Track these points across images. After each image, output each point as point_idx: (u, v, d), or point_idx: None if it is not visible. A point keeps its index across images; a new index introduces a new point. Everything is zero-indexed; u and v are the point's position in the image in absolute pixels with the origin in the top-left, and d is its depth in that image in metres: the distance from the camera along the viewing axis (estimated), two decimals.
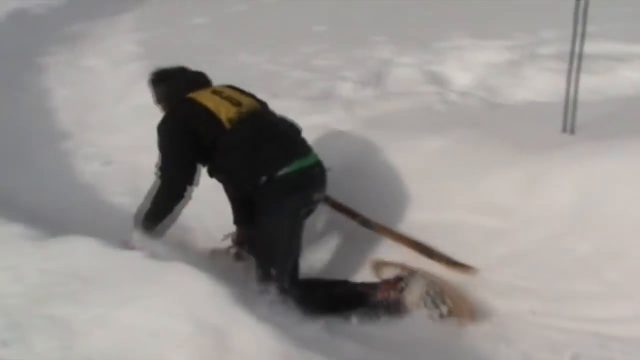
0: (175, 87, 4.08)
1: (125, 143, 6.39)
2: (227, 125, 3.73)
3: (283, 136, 3.90)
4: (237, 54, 7.44)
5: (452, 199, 4.14)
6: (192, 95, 3.91)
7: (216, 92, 3.99)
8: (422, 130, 4.77)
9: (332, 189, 4.04)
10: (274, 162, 3.67)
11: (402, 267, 3.85)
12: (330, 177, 3.91)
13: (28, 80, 8.48)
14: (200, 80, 4.19)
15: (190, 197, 3.81)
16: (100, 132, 6.89)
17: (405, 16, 8.00)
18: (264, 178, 3.63)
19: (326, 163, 3.91)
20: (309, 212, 3.87)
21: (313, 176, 3.81)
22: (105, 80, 8.27)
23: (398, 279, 3.67)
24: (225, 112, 3.78)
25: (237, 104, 3.90)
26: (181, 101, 3.92)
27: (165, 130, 3.81)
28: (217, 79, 6.37)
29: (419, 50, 6.61)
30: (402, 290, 3.59)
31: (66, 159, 6.35)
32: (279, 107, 5.63)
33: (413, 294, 3.54)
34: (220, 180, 3.99)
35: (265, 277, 3.56)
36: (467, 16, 7.44)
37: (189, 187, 3.76)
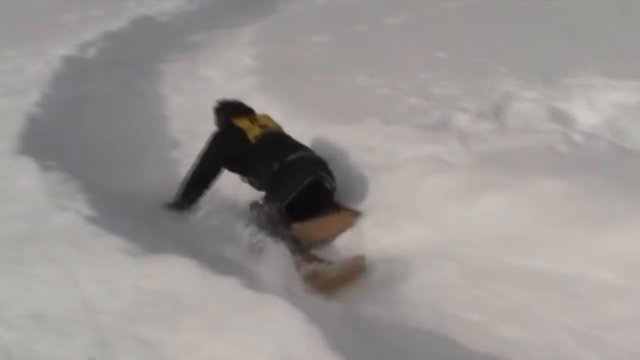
0: (225, 115, 5.65)
1: None
2: (253, 140, 5.26)
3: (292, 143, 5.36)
4: (353, 75, 7.34)
5: (569, 248, 3.90)
6: (234, 120, 5.51)
7: (252, 119, 5.52)
8: (542, 171, 4.55)
9: (434, 223, 3.86)
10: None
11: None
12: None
13: (145, 86, 8.70)
14: (244, 110, 5.70)
15: (204, 195, 5.37)
16: None
17: (531, 47, 7.69)
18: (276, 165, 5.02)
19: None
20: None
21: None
22: (219, 91, 8.29)
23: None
24: (253, 132, 5.32)
25: (264, 126, 5.41)
26: (226, 126, 5.54)
27: (208, 146, 5.45)
28: (331, 99, 6.36)
29: (543, 84, 6.30)
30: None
31: (174, 167, 6.38)
32: (391, 133, 5.56)
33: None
34: (250, 183, 5.41)
35: None
36: (599, 50, 7.06)
37: (204, 190, 5.37)
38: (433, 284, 4.12)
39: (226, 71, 8.82)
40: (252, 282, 3.11)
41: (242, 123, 5.43)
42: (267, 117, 5.63)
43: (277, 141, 5.30)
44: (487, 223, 4.33)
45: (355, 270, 4.36)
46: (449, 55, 7.78)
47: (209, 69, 9.29)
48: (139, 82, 8.69)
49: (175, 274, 3.17)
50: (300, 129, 6.07)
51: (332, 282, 4.16)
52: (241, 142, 5.26)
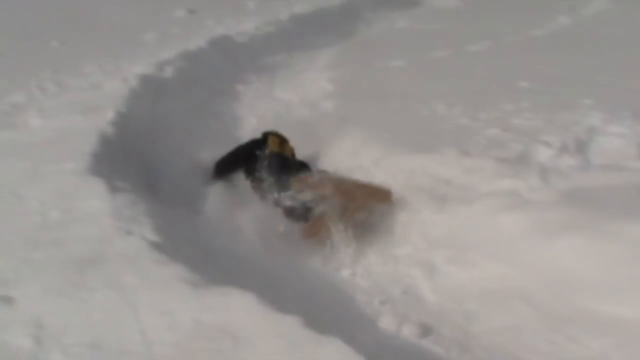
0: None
1: None
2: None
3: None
4: (432, 103, 7.22)
5: None
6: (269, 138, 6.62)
7: (281, 141, 6.69)
8: (628, 212, 4.37)
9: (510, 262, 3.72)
10: None
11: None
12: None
13: (221, 106, 8.81)
14: (279, 136, 6.72)
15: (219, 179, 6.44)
16: None
17: (620, 79, 7.44)
18: None
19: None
20: None
21: None
22: (295, 114, 8.31)
23: None
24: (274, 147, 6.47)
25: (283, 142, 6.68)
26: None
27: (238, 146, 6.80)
28: (408, 127, 6.25)
29: (633, 119, 6.06)
30: None
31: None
32: (469, 165, 5.41)
33: None
34: None
35: None
36: None
37: (217, 175, 6.51)
38: (507, 327, 4.02)
39: (302, 94, 8.83)
40: (312, 321, 3.02)
41: (272, 140, 6.69)
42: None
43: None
44: (566, 265, 4.20)
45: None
46: (532, 85, 7.59)
47: (286, 91, 9.32)
48: (215, 102, 8.77)
49: (236, 308, 3.14)
50: (374, 157, 6.00)
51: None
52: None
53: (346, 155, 6.39)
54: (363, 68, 9.19)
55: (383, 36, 11.95)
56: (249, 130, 7.83)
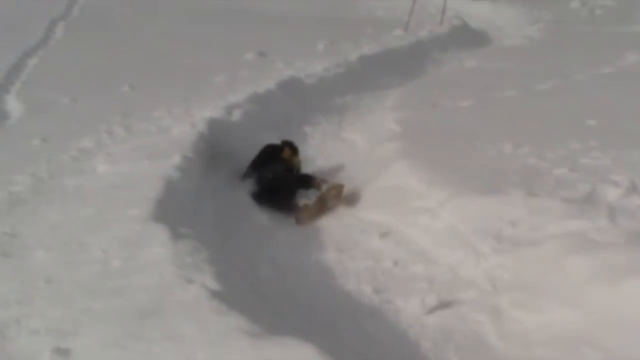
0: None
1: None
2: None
3: None
4: (499, 143, 7.22)
5: None
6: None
7: (293, 151, 8.03)
8: None
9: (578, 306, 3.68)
10: None
11: None
12: None
13: None
14: (292, 147, 8.07)
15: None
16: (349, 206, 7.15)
17: None
18: None
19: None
20: None
21: None
22: (362, 155, 8.38)
23: None
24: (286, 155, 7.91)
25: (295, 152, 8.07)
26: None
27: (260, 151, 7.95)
28: (474, 167, 6.35)
29: None
30: None
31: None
32: (536, 206, 5.41)
33: None
34: None
35: None
36: None
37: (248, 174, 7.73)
38: None
39: (369, 135, 8.91)
40: None
41: (286, 152, 8.03)
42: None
43: None
44: (635, 309, 4.11)
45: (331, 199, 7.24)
46: (600, 124, 7.54)
47: (353, 132, 9.43)
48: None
49: None
50: (441, 198, 6.05)
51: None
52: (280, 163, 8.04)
53: (412, 197, 6.43)
54: (430, 108, 9.22)
55: (451, 76, 11.99)
56: (316, 172, 7.95)
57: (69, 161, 7.61)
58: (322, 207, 7.17)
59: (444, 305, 4.96)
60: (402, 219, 6.35)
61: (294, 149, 8.04)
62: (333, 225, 6.82)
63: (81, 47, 13.38)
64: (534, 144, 7.07)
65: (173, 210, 6.01)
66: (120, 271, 4.86)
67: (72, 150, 7.91)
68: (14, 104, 10.17)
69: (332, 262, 5.96)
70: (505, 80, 10.47)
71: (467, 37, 15.46)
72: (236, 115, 8.99)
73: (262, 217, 7.07)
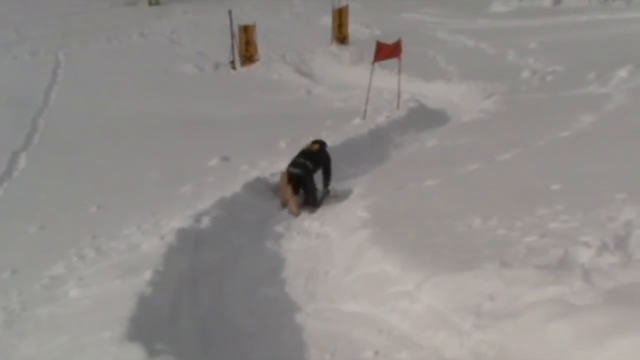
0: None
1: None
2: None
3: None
4: (468, 218, 7.28)
5: None
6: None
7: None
8: None
9: None
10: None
11: None
12: None
13: (265, 246, 9.07)
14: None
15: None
16: (329, 301, 7.13)
17: None
18: None
19: None
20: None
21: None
22: (335, 247, 8.40)
23: None
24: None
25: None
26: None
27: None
28: (446, 245, 6.40)
29: None
30: None
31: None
32: (511, 277, 5.42)
33: None
34: None
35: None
36: None
37: None
38: None
39: (341, 225, 8.92)
40: None
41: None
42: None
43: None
44: None
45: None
46: (565, 187, 7.66)
47: (325, 224, 9.45)
48: (256, 245, 8.96)
49: None
50: (417, 280, 6.06)
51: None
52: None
53: (389, 282, 6.43)
54: (397, 191, 9.29)
55: (414, 157, 12.12)
56: (294, 270, 7.96)
57: (40, 290, 7.53)
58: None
59: None
60: (382, 307, 6.36)
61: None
62: (316, 323, 6.76)
63: (45, 175, 13.32)
64: (503, 215, 7.14)
65: (148, 327, 5.94)
66: None
67: (44, 278, 7.84)
68: None
69: None
70: (467, 155, 10.63)
71: (425, 117, 15.73)
72: (205, 222, 9.02)
73: (244, 322, 6.99)
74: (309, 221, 9.97)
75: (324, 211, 10.22)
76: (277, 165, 11.83)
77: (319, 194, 10.97)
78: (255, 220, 9.74)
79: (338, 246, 8.43)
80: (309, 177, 10.83)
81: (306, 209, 10.52)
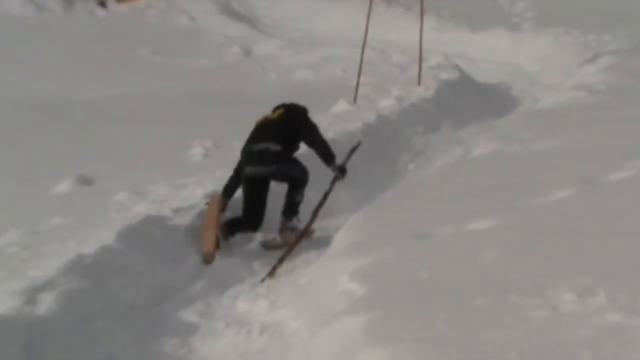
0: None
1: None
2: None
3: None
4: (551, 293, 4.54)
5: None
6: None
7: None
8: None
9: None
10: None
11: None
12: None
13: (159, 351, 5.62)
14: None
15: None
16: None
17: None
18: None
19: None
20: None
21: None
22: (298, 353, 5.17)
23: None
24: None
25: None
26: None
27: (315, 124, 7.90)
28: (504, 341, 4.18)
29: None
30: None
31: None
32: None
33: None
34: None
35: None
36: None
37: None
38: None
39: (309, 309, 5.53)
40: None
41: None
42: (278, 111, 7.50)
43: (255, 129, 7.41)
44: None
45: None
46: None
47: (279, 305, 5.95)
48: (143, 349, 5.53)
49: None
50: None
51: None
52: None
53: None
54: (415, 243, 5.53)
55: (449, 176, 7.62)
56: None
57: None
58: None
59: None
60: None
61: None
62: None
63: None
64: (618, 288, 4.25)
65: None
66: None
67: None
68: None
69: None
70: (551, 172, 6.65)
71: (470, 99, 10.92)
72: (45, 303, 5.13)
73: None
74: (247, 297, 6.08)
75: (278, 279, 6.35)
76: (187, 190, 7.45)
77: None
78: (142, 298, 5.81)
79: (304, 350, 5.01)
80: (284, 169, 7.05)
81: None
